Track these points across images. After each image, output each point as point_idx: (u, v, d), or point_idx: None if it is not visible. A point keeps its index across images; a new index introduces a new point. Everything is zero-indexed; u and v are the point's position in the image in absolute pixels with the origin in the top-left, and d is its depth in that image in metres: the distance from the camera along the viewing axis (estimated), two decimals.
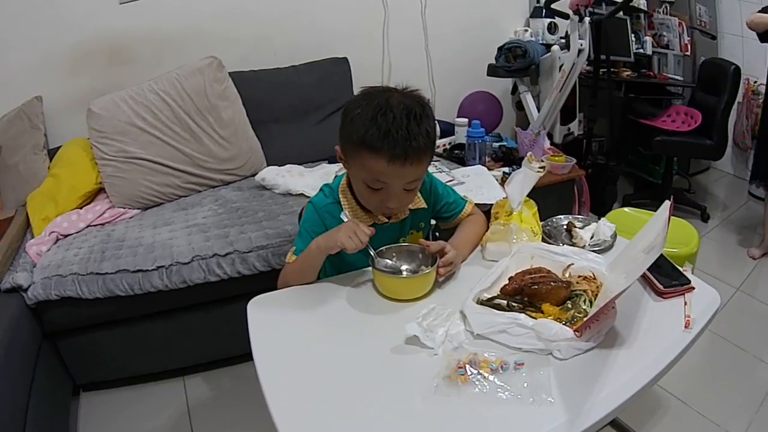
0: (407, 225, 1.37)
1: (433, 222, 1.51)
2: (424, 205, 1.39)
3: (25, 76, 2.46)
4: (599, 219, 1.45)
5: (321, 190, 1.38)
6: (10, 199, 2.30)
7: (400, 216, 1.34)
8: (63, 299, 1.83)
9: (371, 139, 1.14)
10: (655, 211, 1.20)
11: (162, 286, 1.88)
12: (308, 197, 2.20)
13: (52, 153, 2.41)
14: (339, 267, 1.32)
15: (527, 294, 1.11)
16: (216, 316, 2.04)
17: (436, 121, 1.24)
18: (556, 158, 2.65)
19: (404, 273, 1.25)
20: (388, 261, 1.25)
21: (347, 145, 1.21)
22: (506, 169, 2.58)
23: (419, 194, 1.35)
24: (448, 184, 1.23)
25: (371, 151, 1.15)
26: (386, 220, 1.32)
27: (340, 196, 1.32)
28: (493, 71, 3.12)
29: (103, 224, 2.22)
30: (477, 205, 1.50)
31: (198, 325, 2.05)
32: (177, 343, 2.07)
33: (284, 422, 0.86)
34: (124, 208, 2.32)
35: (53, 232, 2.09)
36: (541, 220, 1.44)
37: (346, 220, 1.24)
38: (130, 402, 2.05)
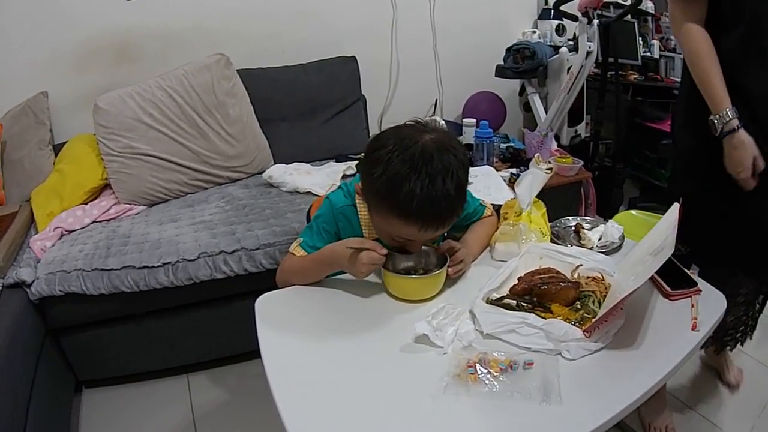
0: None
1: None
2: None
3: (32, 72, 2.46)
4: (606, 221, 1.45)
5: (340, 188, 1.32)
6: (15, 194, 2.30)
7: None
8: (67, 295, 1.82)
9: (403, 205, 1.03)
10: (661, 214, 1.19)
11: (168, 283, 1.88)
12: (316, 195, 2.21)
13: (57, 149, 2.41)
14: None
15: (537, 294, 1.10)
16: (221, 313, 2.03)
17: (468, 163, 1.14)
18: (564, 160, 2.65)
19: (414, 273, 1.22)
20: (397, 262, 1.22)
21: (372, 197, 1.11)
22: (514, 170, 2.57)
23: None
24: None
25: (401, 218, 1.06)
26: None
27: (357, 200, 1.26)
28: (501, 72, 3.11)
29: (108, 220, 2.22)
30: None
31: (203, 323, 2.04)
32: (181, 341, 2.06)
33: (292, 420, 0.85)
34: (130, 204, 2.31)
35: (58, 227, 2.09)
36: (548, 222, 1.43)
37: None
38: (133, 399, 2.05)
